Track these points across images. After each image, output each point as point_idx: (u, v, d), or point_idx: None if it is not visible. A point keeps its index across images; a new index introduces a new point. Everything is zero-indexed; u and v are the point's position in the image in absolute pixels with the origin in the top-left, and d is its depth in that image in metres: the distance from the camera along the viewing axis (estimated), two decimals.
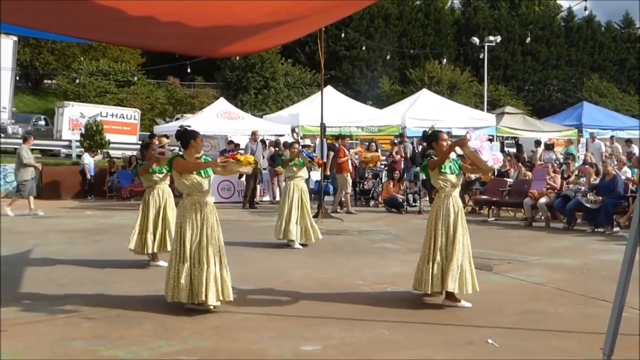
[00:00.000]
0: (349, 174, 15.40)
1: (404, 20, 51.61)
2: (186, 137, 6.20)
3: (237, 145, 17.41)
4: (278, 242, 9.96)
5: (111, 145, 22.75)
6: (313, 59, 42.47)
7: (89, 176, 18.61)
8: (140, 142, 15.97)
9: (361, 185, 17.35)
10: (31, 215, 14.03)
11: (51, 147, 25.90)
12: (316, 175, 15.60)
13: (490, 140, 20.45)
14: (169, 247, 7.81)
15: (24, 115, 32.72)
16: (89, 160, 18.99)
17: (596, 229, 11.85)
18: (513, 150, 23.89)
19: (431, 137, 6.56)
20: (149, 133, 28.58)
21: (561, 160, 17.10)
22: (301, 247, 9.83)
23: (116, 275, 7.71)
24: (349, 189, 15.56)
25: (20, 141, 25.52)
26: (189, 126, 6.50)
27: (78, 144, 19.95)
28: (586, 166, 14.11)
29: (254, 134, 17.22)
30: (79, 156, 21.27)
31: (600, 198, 11.72)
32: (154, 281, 7.10)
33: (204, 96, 40.19)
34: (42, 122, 31.29)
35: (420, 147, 16.29)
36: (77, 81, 38.30)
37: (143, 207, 8.29)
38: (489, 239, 10.83)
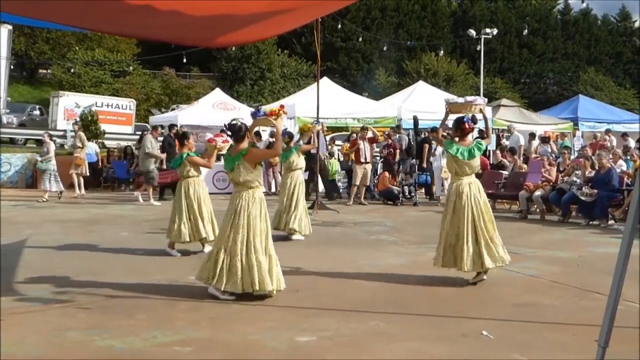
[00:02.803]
0: (361, 166, 15.40)
1: (401, 12, 51.42)
2: (243, 129, 6.22)
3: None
4: (275, 234, 9.93)
5: (106, 136, 22.69)
6: (309, 50, 42.35)
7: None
8: (140, 133, 15.88)
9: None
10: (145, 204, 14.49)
11: None
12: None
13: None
14: (203, 235, 8.22)
15: (18, 104, 32.45)
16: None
17: (591, 222, 11.88)
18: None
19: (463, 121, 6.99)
20: (144, 124, 28.66)
21: (557, 153, 17.07)
22: (302, 237, 9.82)
23: (111, 265, 7.71)
24: (363, 181, 15.56)
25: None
26: (242, 119, 6.49)
27: (73, 133, 19.82)
28: (581, 159, 14.13)
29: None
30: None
31: (596, 191, 11.75)
32: (149, 271, 7.10)
33: (200, 87, 40.03)
34: (37, 112, 31.11)
35: (417, 138, 16.22)
36: (72, 71, 38.09)
37: (180, 198, 8.33)
38: None
